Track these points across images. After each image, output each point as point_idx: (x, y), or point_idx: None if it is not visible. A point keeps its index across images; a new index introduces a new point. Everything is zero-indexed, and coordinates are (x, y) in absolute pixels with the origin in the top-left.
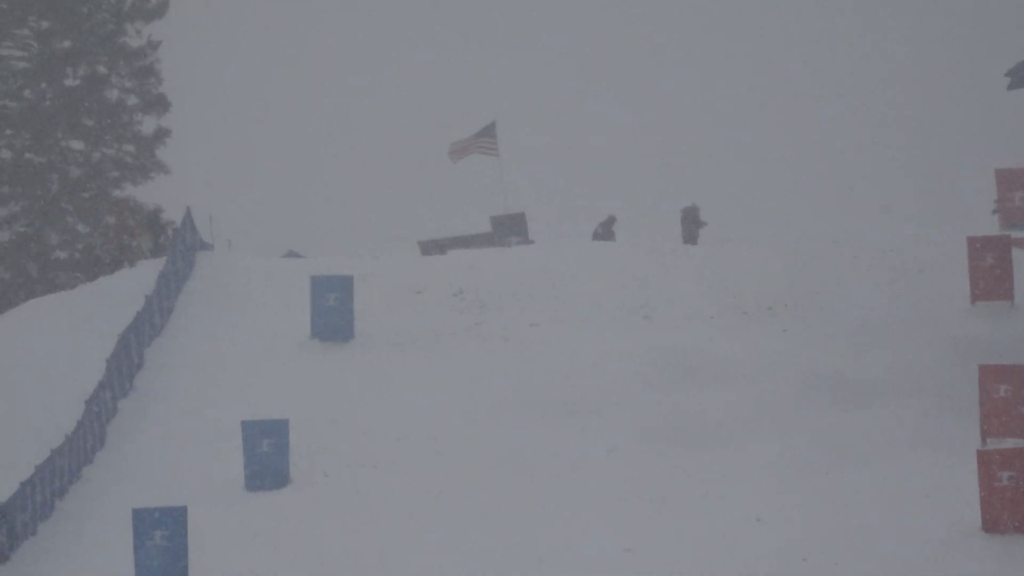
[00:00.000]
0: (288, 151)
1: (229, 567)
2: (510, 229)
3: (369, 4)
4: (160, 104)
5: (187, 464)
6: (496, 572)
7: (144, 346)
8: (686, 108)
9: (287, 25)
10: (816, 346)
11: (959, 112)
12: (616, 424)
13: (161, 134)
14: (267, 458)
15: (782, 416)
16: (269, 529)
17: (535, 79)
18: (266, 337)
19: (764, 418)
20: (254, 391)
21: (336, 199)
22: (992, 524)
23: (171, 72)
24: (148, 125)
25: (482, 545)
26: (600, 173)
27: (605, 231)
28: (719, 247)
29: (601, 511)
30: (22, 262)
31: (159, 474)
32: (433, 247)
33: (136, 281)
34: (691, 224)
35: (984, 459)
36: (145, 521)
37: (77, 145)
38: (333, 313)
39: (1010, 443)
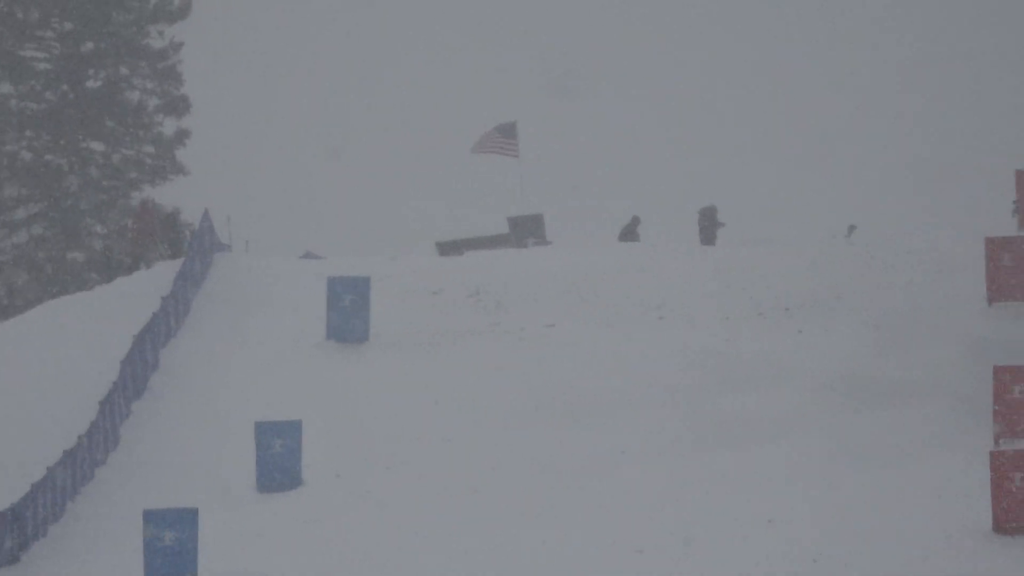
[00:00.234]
0: (306, 152)
1: (239, 569)
2: (527, 230)
3: (385, 4)
4: (181, 105)
5: (199, 465)
6: (509, 574)
7: (159, 347)
8: (701, 107)
9: (305, 26)
10: (832, 347)
11: (980, 112)
12: (631, 425)
13: (181, 135)
14: (279, 459)
15: (797, 417)
16: (280, 530)
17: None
18: (282, 338)
19: (779, 419)
20: (268, 392)
21: (354, 200)
22: (1004, 525)
23: (190, 73)
24: (168, 126)
25: (495, 546)
26: (616, 174)
27: (630, 232)
28: (736, 249)
29: (614, 512)
30: (40, 263)
31: (171, 475)
32: (450, 248)
33: (153, 282)
34: (709, 225)
35: (997, 460)
36: (156, 522)
37: (97, 147)
38: (349, 314)
39: (1023, 444)
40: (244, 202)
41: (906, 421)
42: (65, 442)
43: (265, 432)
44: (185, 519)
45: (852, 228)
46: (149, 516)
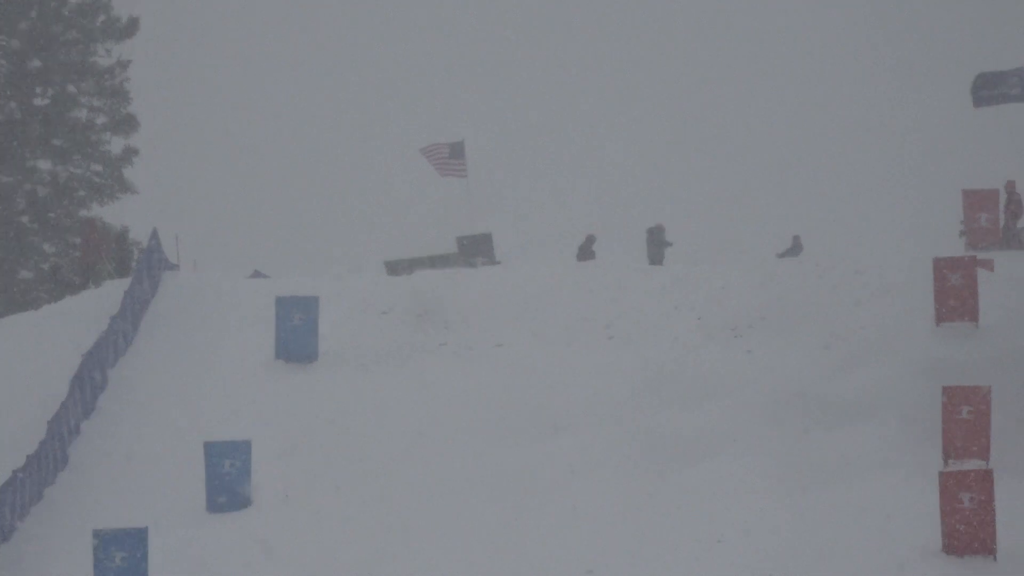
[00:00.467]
0: (254, 172)
1: None
2: (476, 250)
3: (331, 22)
4: (128, 124)
5: (149, 485)
6: None
7: (108, 366)
8: (651, 124)
9: (254, 45)
10: (781, 366)
11: (926, 130)
12: (580, 444)
13: (129, 154)
14: (229, 480)
15: (746, 436)
16: (230, 551)
17: (502, 101)
18: (231, 357)
19: (728, 438)
20: (218, 411)
21: (302, 219)
22: (953, 546)
23: (137, 92)
24: (116, 145)
25: (445, 567)
26: (567, 193)
27: (585, 251)
28: (685, 268)
29: (563, 531)
30: None
31: (121, 495)
32: (399, 267)
33: (101, 301)
34: (656, 244)
35: (946, 481)
36: (105, 542)
37: (45, 165)
38: (298, 334)
39: (972, 464)
40: (192, 221)
41: (855, 441)
42: (13, 462)
43: (215, 452)
44: (135, 539)
45: (796, 239)
46: (99, 536)
